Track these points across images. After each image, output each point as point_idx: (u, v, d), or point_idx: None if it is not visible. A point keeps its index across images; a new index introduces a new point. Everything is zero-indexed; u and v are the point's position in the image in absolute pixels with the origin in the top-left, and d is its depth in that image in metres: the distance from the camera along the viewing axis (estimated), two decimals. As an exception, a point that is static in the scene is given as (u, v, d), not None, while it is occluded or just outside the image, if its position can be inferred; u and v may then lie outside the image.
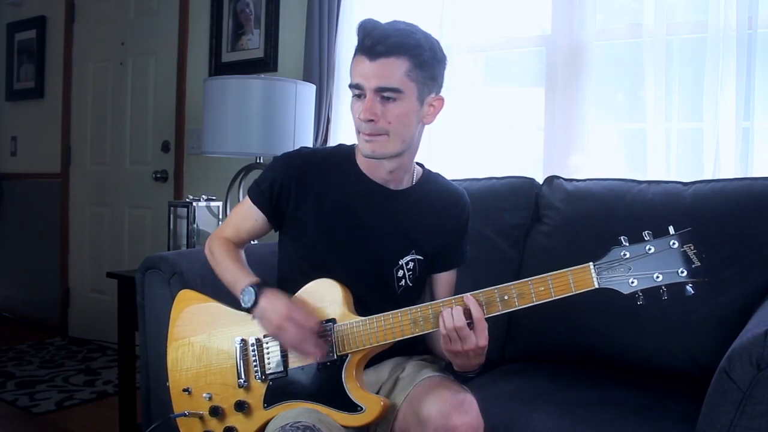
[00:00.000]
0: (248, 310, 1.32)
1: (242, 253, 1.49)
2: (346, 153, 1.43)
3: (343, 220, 1.38)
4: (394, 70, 1.24)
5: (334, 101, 2.70)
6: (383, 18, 1.32)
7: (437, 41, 1.32)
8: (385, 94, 1.25)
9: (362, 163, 1.39)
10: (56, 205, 4.03)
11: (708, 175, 1.96)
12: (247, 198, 1.46)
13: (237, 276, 1.38)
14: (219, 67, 3.22)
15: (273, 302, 1.29)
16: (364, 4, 2.63)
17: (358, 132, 1.31)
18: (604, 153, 2.31)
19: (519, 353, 1.81)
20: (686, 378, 1.58)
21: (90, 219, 3.92)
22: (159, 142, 3.53)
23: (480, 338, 1.19)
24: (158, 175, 3.51)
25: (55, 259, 4.04)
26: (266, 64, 3.03)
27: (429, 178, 1.46)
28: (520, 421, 1.35)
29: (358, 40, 1.27)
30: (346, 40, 2.66)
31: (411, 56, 1.25)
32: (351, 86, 1.28)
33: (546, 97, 2.33)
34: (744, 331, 1.19)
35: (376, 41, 1.23)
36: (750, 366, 1.03)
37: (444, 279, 1.47)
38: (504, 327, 1.82)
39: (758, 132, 1.98)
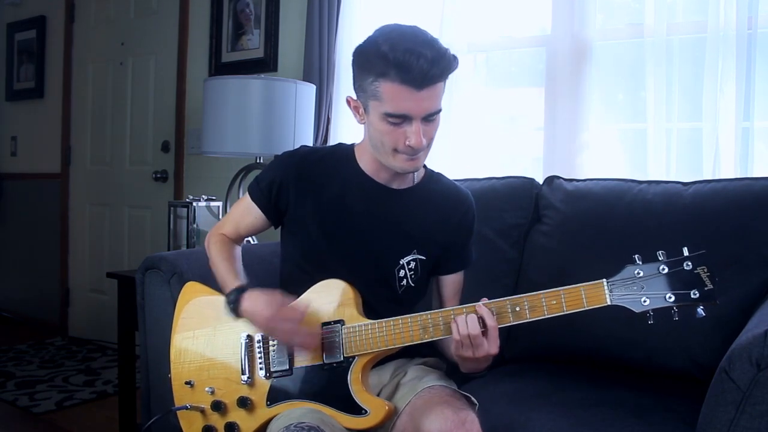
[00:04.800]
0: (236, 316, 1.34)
1: (238, 250, 1.49)
2: (345, 152, 1.42)
3: (343, 220, 1.38)
4: (438, 93, 1.24)
5: (334, 101, 2.70)
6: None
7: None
8: (431, 118, 1.25)
9: (364, 162, 1.39)
10: (56, 205, 4.03)
11: (708, 175, 1.96)
12: (246, 195, 1.47)
13: (224, 280, 1.39)
14: (219, 67, 3.22)
15: (253, 305, 1.30)
16: (364, 4, 2.63)
17: (394, 151, 1.27)
18: (604, 153, 2.30)
19: (519, 354, 1.81)
20: (686, 378, 1.58)
21: (90, 219, 3.92)
22: (159, 142, 3.53)
23: (492, 346, 1.20)
24: (158, 175, 3.51)
25: (55, 259, 4.04)
26: (266, 64, 3.03)
27: (432, 177, 1.46)
28: (520, 421, 1.35)
29: (401, 69, 1.18)
30: (346, 40, 2.66)
31: (447, 76, 1.24)
32: (391, 115, 1.22)
33: (546, 97, 2.33)
34: (744, 331, 1.19)
35: (424, 73, 1.18)
36: (750, 366, 1.03)
37: (451, 281, 1.46)
38: (504, 328, 1.81)
39: (758, 132, 1.98)
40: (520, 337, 1.82)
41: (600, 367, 1.69)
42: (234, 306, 1.33)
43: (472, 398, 1.29)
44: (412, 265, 1.39)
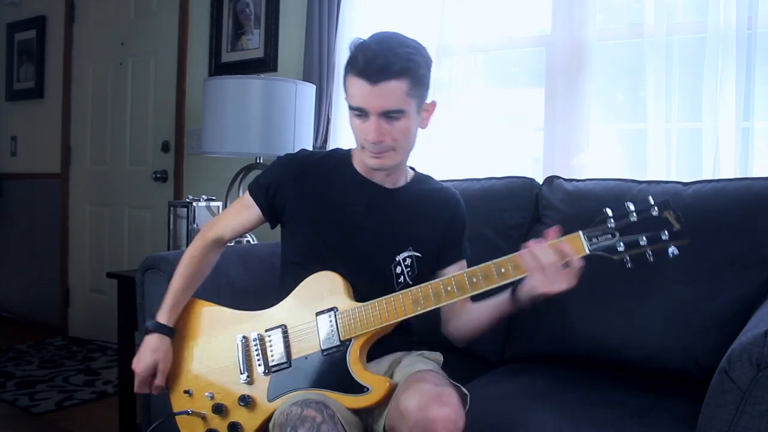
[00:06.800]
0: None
1: (208, 265, 1.54)
2: (342, 155, 1.50)
3: (341, 219, 1.42)
4: (396, 92, 1.28)
5: (334, 101, 2.70)
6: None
7: (423, 47, 1.34)
8: (390, 115, 1.29)
9: (359, 164, 1.46)
10: (56, 205, 4.03)
11: (708, 175, 1.96)
12: (247, 193, 1.51)
13: (168, 297, 1.47)
14: (219, 67, 3.22)
15: (148, 348, 1.43)
16: (364, 4, 2.63)
17: (362, 147, 1.35)
18: (604, 153, 2.30)
19: (519, 354, 1.81)
20: (686, 378, 1.58)
21: (90, 219, 3.92)
22: (159, 142, 3.53)
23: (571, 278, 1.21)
24: (158, 175, 3.51)
25: (55, 259, 4.04)
26: (266, 64, 3.03)
27: (420, 178, 1.52)
28: (520, 421, 1.35)
29: (354, 62, 1.29)
30: (346, 40, 2.63)
31: (410, 77, 1.28)
32: (351, 108, 1.32)
33: (546, 97, 2.33)
34: (744, 331, 1.19)
35: (378, 68, 1.25)
36: (750, 366, 1.03)
37: (452, 273, 1.46)
38: (504, 328, 1.82)
39: (758, 132, 1.98)
40: (519, 338, 1.82)
41: (600, 367, 1.68)
42: (145, 333, 1.45)
43: (463, 388, 1.28)
44: (408, 261, 1.42)
